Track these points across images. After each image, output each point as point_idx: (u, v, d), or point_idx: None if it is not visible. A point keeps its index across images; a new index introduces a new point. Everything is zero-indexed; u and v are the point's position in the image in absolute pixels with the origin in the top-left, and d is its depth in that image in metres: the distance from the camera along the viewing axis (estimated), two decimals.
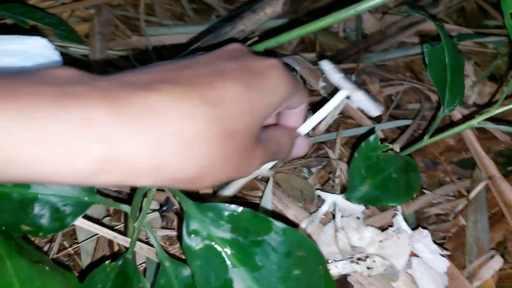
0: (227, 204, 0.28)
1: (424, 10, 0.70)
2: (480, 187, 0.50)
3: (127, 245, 0.37)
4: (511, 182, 0.51)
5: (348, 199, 0.37)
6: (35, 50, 0.35)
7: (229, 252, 0.27)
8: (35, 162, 0.19)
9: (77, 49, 0.63)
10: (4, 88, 0.18)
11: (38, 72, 0.21)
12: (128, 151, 0.20)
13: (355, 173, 0.37)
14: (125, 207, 0.36)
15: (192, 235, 0.28)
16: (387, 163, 0.38)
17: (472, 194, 0.49)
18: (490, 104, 0.63)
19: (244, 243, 0.27)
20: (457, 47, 0.40)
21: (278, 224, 0.28)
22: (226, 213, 0.28)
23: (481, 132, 0.58)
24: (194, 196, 0.37)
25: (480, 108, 0.61)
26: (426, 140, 0.41)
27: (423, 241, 0.40)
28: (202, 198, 0.45)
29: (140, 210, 0.35)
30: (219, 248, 0.27)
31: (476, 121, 0.38)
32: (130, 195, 0.47)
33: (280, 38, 0.43)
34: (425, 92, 0.62)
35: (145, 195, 0.34)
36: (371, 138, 0.37)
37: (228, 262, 0.27)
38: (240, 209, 0.28)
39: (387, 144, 0.38)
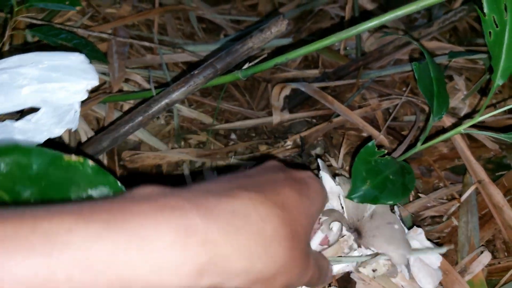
0: None
1: (419, 30, 0.76)
2: (470, 190, 0.54)
3: None
4: (500, 186, 0.56)
5: (350, 198, 0.42)
6: (75, 64, 0.41)
7: None
8: (152, 274, 0.20)
9: (96, 67, 0.68)
10: (106, 213, 0.20)
11: (128, 194, 0.23)
12: (224, 254, 0.22)
13: (357, 175, 0.41)
14: None
15: None
16: (385, 166, 0.42)
17: (464, 197, 0.54)
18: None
19: None
20: (436, 63, 0.45)
21: None
22: None
23: (472, 141, 0.63)
24: None
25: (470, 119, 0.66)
26: (419, 146, 0.46)
27: (418, 237, 0.44)
28: None
29: None
30: None
31: (462, 128, 0.43)
32: None
33: (288, 55, 0.49)
34: (419, 105, 0.67)
35: None
36: (370, 144, 0.42)
37: None
38: None
39: (383, 149, 0.43)
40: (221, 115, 0.70)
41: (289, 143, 0.64)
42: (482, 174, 0.56)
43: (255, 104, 0.73)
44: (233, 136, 0.67)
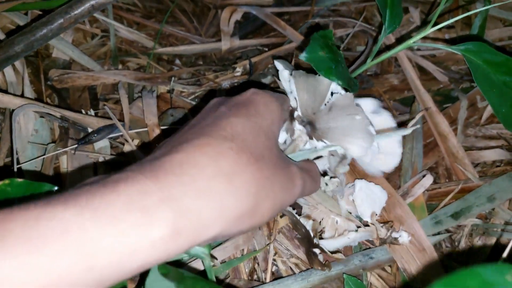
0: None
1: None
2: (418, 117, 0.53)
3: None
4: (446, 116, 0.56)
5: (305, 57, 0.36)
6: None
7: None
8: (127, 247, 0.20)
9: None
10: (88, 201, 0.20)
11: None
12: (192, 208, 0.22)
13: (315, 41, 0.36)
14: None
15: None
16: (339, 55, 0.38)
17: (410, 124, 0.53)
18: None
19: None
20: None
21: None
22: None
23: (422, 73, 0.62)
24: None
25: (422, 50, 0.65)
26: (369, 63, 0.44)
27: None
28: None
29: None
30: None
31: (412, 40, 0.41)
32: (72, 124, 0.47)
33: None
34: (373, 34, 0.65)
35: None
36: (327, 30, 0.38)
37: None
38: None
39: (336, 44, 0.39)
40: (165, 39, 0.64)
41: (238, 69, 0.60)
42: (430, 103, 0.55)
43: (203, 30, 0.68)
44: (177, 61, 0.62)
